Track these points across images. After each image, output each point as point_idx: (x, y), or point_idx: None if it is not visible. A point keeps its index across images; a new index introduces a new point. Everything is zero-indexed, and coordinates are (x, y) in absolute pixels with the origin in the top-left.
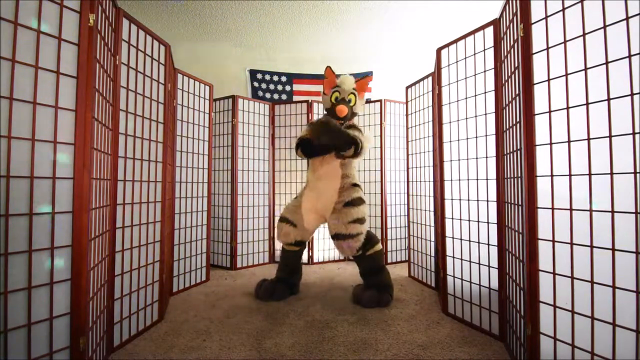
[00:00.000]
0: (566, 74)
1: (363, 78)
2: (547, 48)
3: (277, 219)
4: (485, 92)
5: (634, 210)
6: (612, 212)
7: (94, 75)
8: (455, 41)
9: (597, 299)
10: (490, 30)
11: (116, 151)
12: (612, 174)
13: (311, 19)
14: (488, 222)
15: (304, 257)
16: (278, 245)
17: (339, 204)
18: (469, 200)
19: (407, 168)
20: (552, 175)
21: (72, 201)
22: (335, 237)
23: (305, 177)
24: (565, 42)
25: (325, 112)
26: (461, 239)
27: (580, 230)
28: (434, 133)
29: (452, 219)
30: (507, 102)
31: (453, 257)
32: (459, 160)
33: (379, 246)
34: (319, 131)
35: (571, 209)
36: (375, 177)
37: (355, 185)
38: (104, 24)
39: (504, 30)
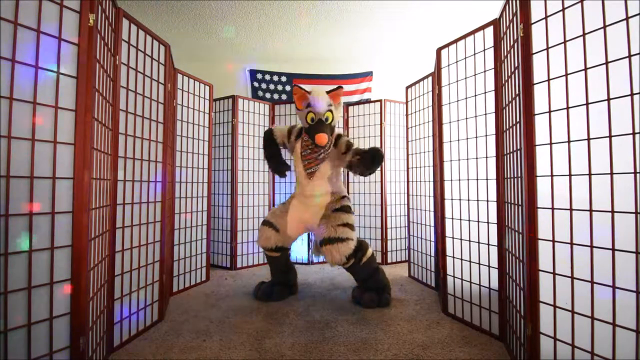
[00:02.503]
0: (566, 74)
1: (336, 89)
2: (547, 48)
3: None
4: (485, 92)
5: (634, 210)
6: (612, 212)
7: (94, 75)
8: (455, 41)
9: (597, 299)
10: (490, 31)
11: (116, 151)
12: (612, 174)
13: (311, 19)
14: (488, 222)
15: (304, 257)
16: None
17: (328, 210)
18: (469, 200)
19: (407, 168)
20: (552, 175)
21: (72, 201)
22: (324, 242)
23: None
24: (565, 42)
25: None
26: (461, 239)
27: (580, 230)
28: (434, 133)
29: (452, 219)
30: (507, 102)
31: (453, 257)
32: (459, 160)
33: (370, 251)
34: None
35: (571, 209)
36: (375, 177)
37: (343, 197)
38: (104, 24)
39: (504, 30)
